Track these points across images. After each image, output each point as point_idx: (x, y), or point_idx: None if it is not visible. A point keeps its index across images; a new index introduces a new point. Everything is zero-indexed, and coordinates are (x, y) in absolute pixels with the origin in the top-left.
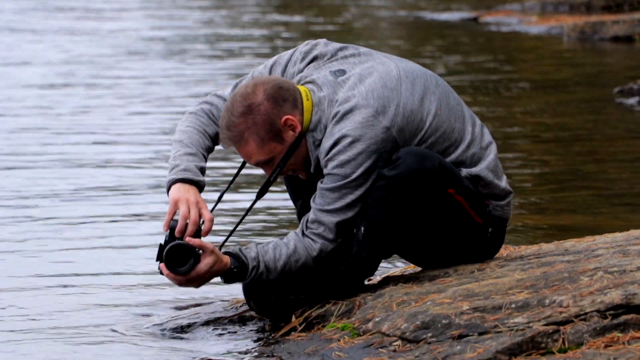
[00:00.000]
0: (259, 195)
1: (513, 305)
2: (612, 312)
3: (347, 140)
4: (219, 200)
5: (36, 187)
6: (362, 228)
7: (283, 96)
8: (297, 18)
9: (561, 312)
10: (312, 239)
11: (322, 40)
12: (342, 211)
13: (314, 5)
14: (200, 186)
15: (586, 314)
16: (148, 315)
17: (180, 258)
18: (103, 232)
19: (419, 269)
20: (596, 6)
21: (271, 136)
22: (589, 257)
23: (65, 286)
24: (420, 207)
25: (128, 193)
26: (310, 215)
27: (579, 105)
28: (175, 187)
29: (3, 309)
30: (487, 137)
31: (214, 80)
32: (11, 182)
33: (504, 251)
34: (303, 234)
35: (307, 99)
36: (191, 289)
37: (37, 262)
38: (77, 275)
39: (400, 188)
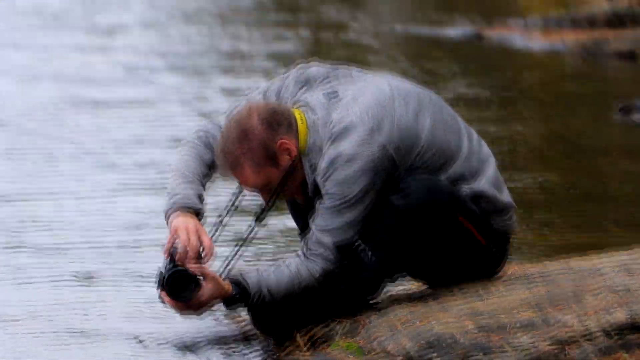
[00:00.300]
0: (257, 221)
1: (518, 325)
2: (617, 331)
3: (344, 159)
4: (219, 226)
5: (39, 214)
6: (369, 252)
7: (278, 120)
8: (303, 33)
9: (566, 332)
10: (313, 261)
11: (314, 63)
12: (342, 230)
13: (318, 20)
14: (199, 213)
15: (591, 333)
16: (151, 333)
17: (180, 285)
18: (106, 257)
19: (423, 287)
20: (599, 22)
21: (267, 161)
22: (594, 276)
23: (70, 302)
24: (428, 236)
25: (132, 220)
26: (311, 236)
27: (582, 122)
28: (175, 215)
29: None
30: (485, 149)
31: (216, 98)
32: (13, 209)
33: (509, 269)
34: (304, 255)
35: (302, 122)
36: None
37: (37, 288)
38: (79, 299)
39: (409, 219)
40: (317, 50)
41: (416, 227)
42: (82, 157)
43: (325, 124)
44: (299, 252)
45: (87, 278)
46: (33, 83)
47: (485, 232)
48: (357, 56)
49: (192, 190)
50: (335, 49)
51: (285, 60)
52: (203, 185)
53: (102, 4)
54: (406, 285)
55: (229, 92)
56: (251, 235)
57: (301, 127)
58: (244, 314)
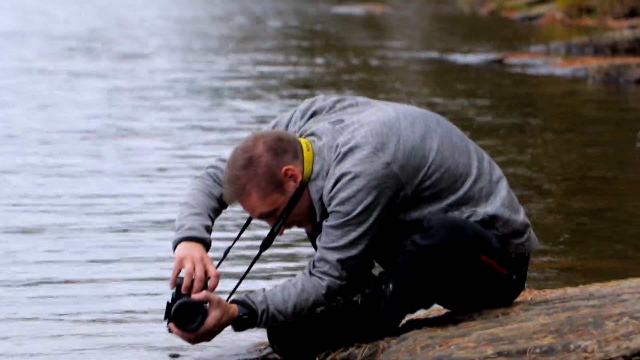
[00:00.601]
0: (263, 248)
1: (538, 350)
2: (637, 358)
3: (348, 177)
4: (225, 256)
5: (68, 246)
6: (391, 286)
7: (283, 147)
8: (328, 59)
9: (586, 358)
10: (318, 277)
11: (320, 96)
12: (345, 248)
13: (343, 46)
14: (206, 244)
15: (611, 359)
16: (175, 356)
17: (188, 315)
18: (136, 288)
19: (443, 312)
20: (621, 49)
21: (273, 187)
22: (614, 302)
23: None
24: (450, 273)
25: (140, 256)
26: (316, 254)
27: (603, 148)
28: (181, 246)
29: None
30: (497, 171)
31: (240, 125)
32: (44, 242)
33: (529, 295)
34: (310, 273)
35: (308, 150)
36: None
37: (71, 322)
38: (108, 332)
39: (432, 259)
40: (342, 76)
41: (439, 266)
42: (105, 185)
43: (331, 148)
44: (305, 270)
45: (112, 311)
46: (57, 109)
47: (505, 262)
48: (380, 82)
49: (199, 222)
50: (360, 74)
51: (309, 86)
52: (211, 218)
53: (126, 29)
54: (426, 310)
55: (253, 119)
56: (257, 261)
57: (307, 154)
58: (264, 339)
